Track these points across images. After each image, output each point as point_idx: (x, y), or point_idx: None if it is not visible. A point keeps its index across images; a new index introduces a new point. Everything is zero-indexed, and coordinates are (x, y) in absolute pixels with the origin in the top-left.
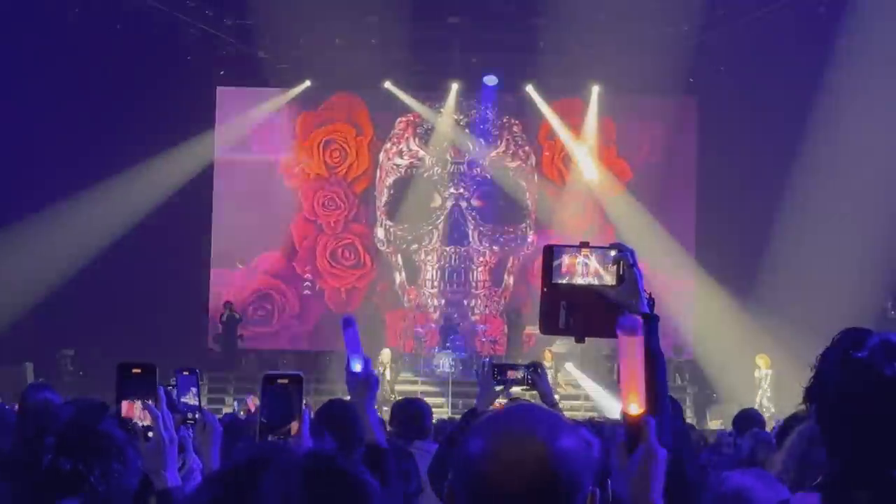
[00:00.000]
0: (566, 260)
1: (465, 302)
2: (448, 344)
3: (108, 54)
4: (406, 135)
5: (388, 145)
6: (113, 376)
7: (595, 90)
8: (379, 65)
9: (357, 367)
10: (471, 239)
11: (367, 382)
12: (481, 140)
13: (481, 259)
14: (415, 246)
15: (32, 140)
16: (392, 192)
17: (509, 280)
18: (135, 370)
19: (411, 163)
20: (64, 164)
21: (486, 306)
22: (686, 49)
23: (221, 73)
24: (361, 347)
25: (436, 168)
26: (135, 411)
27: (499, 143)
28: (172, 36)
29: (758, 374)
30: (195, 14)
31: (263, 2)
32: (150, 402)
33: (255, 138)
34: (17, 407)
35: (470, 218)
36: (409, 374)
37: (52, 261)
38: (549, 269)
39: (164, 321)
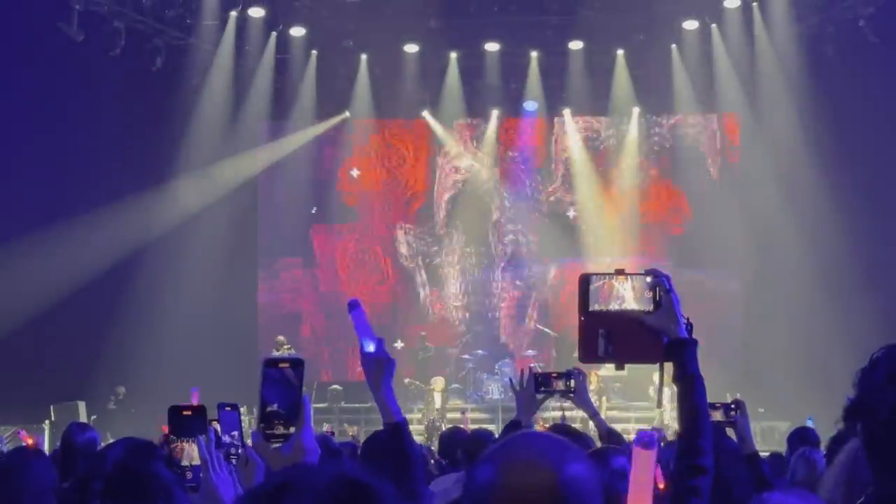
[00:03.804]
0: (602, 287)
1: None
2: (497, 370)
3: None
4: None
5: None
6: (164, 413)
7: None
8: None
9: (370, 347)
10: None
11: (381, 362)
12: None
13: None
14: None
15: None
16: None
17: None
18: (185, 412)
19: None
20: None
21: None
22: None
23: (261, 105)
24: (371, 328)
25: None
26: (184, 452)
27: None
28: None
29: (652, 392)
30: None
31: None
32: (200, 437)
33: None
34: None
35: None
36: (458, 400)
37: (104, 300)
38: (585, 297)
39: (215, 356)
